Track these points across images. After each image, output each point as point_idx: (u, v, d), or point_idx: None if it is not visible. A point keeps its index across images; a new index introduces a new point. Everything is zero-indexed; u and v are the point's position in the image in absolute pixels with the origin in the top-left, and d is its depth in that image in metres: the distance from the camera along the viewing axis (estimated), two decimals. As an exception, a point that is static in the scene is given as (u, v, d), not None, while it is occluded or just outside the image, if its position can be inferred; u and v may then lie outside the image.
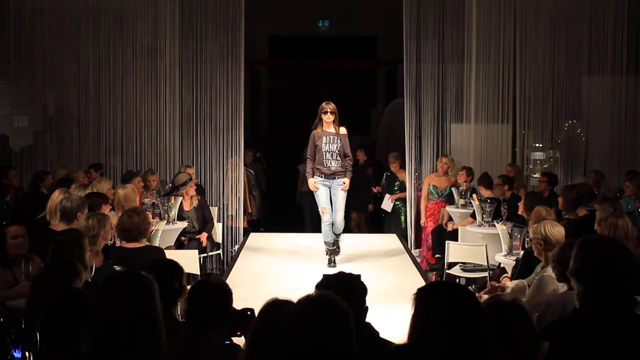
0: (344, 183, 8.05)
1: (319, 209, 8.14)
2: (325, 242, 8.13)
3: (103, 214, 5.62)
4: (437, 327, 2.30)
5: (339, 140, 8.00)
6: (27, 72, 9.69)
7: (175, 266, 3.85)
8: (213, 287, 3.37)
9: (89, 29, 9.60)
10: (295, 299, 2.42)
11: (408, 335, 2.37)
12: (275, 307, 2.65)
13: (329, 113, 7.93)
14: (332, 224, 8.05)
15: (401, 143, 10.22)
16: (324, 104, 7.98)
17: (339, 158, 8.01)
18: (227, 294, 3.36)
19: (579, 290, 2.62)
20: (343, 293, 2.87)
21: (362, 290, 3.21)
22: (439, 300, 2.37)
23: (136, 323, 2.47)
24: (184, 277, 3.78)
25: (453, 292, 2.42)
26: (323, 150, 8.00)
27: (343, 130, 8.05)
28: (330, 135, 7.99)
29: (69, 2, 9.65)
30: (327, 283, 3.06)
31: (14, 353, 3.14)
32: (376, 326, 3.49)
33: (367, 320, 3.25)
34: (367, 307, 3.19)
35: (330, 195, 8.12)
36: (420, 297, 2.41)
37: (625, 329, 2.54)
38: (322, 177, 8.05)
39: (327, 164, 8.00)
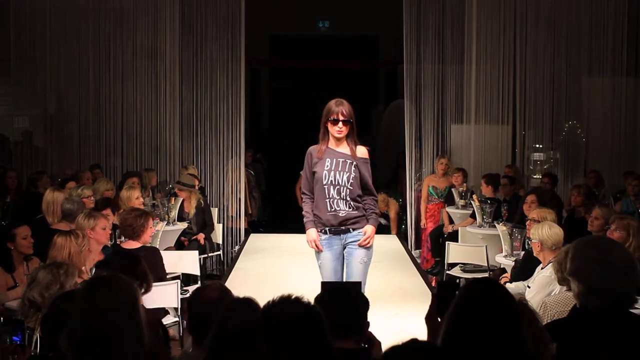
0: (365, 234, 4.87)
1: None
2: None
3: (99, 213, 5.63)
4: (463, 327, 2.29)
5: (353, 168, 4.85)
6: (28, 72, 9.70)
7: (133, 257, 3.89)
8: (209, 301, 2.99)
9: (89, 29, 9.60)
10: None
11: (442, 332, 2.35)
12: (238, 305, 2.61)
13: (340, 123, 4.82)
14: None
15: (401, 144, 10.23)
16: (332, 104, 4.88)
17: (349, 198, 4.83)
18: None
19: (579, 290, 2.62)
20: (345, 306, 2.87)
21: (364, 304, 3.06)
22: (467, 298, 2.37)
23: (117, 328, 2.38)
24: (140, 266, 3.78)
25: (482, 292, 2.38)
26: (324, 183, 4.85)
27: (362, 151, 4.94)
28: (338, 158, 4.87)
29: (69, 2, 9.65)
30: (328, 296, 2.94)
31: (14, 338, 3.15)
32: (377, 327, 3.47)
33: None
34: (368, 322, 3.05)
35: (342, 262, 4.96)
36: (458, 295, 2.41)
37: (626, 328, 2.56)
38: (325, 233, 4.91)
39: (331, 207, 4.84)
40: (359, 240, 4.85)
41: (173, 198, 8.03)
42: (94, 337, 2.36)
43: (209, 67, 9.66)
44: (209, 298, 2.98)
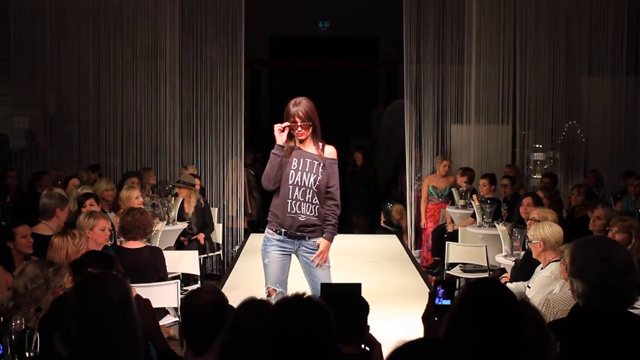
0: (318, 246, 4.70)
1: (265, 288, 4.80)
2: None
3: (100, 214, 5.62)
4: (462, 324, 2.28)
5: (320, 169, 4.69)
6: (28, 72, 9.70)
7: (107, 258, 3.91)
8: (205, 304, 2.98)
9: (89, 29, 9.60)
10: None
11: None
12: (252, 307, 2.61)
13: (299, 127, 4.65)
14: None
15: (401, 144, 10.22)
16: (290, 105, 4.69)
17: (316, 200, 4.66)
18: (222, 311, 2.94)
19: (583, 288, 2.63)
20: (345, 309, 2.85)
21: (364, 307, 3.06)
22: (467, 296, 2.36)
23: (112, 326, 2.36)
24: (115, 267, 3.78)
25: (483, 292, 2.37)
26: (289, 182, 4.67)
27: (330, 151, 4.78)
28: (306, 158, 4.70)
29: (69, 2, 9.65)
30: (328, 298, 2.95)
31: None
32: (377, 327, 3.47)
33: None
34: (368, 326, 3.05)
35: (289, 263, 4.84)
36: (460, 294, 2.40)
37: (628, 327, 2.57)
38: (279, 234, 4.72)
39: (292, 208, 4.64)
40: (312, 246, 4.70)
41: (173, 198, 8.02)
42: (90, 337, 2.35)
43: (209, 67, 9.65)
44: (204, 300, 2.96)
